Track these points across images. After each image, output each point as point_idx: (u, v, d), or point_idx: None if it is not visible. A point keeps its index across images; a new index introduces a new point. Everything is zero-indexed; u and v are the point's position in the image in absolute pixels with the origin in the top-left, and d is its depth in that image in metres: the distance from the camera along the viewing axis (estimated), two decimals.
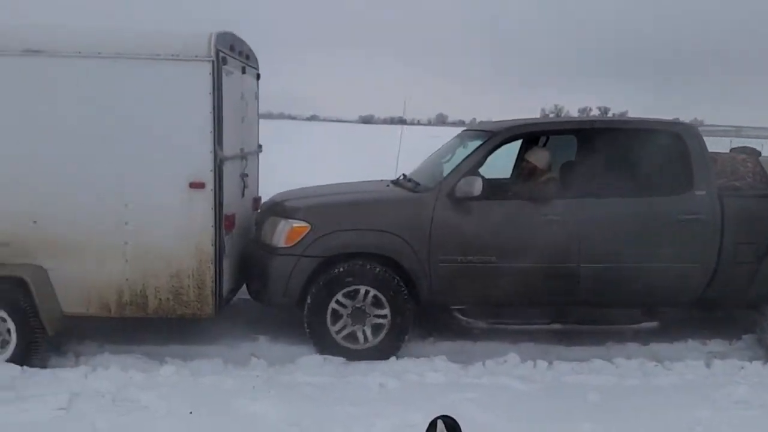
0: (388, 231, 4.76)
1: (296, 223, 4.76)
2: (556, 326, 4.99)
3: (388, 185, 5.51)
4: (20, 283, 4.23)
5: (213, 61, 4.29)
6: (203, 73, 4.29)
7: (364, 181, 5.91)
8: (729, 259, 4.91)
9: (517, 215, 4.84)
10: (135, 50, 4.29)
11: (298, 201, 5.10)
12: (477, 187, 4.71)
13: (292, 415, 3.70)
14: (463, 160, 4.98)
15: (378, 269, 4.72)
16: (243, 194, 5.29)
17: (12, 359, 4.30)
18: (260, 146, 6.07)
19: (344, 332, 4.78)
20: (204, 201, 4.41)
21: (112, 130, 4.33)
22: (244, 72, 5.15)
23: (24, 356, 4.32)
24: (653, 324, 5.04)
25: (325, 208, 5.00)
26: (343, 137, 34.17)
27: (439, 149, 5.86)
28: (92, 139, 4.33)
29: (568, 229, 4.79)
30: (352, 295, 4.76)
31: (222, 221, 4.53)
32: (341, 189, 5.57)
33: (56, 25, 4.54)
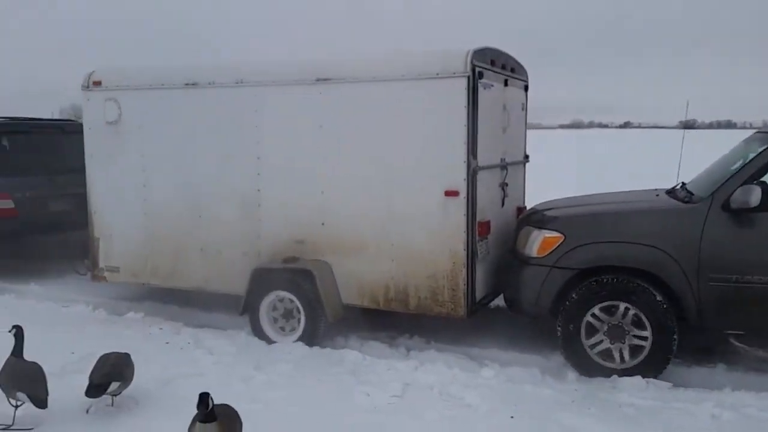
0: (649, 244, 4.43)
1: (548, 234, 4.74)
2: None
3: (657, 195, 5.11)
4: (309, 275, 5.06)
5: (468, 77, 4.56)
6: (459, 88, 4.58)
7: (632, 191, 5.56)
8: None
9: None
10: (401, 72, 4.78)
11: (554, 211, 5.04)
12: (755, 197, 4.12)
13: None
14: (743, 167, 4.38)
15: (637, 285, 4.43)
16: (503, 203, 5.44)
17: (300, 339, 5.15)
18: (527, 156, 6.17)
19: (599, 348, 4.58)
20: (457, 208, 4.69)
21: (382, 144, 4.89)
22: (506, 84, 5.32)
23: (310, 338, 5.13)
24: None
25: (579, 219, 4.85)
26: (651, 144, 31.82)
27: (725, 155, 5.21)
28: (366, 153, 4.95)
29: None
30: (610, 311, 4.53)
31: (475, 228, 4.76)
32: (605, 199, 5.33)
33: (339, 57, 5.30)
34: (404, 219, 4.87)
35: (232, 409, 3.11)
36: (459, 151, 4.63)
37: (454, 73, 4.60)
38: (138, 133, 5.79)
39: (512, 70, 5.53)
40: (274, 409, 3.84)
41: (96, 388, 3.70)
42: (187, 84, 5.53)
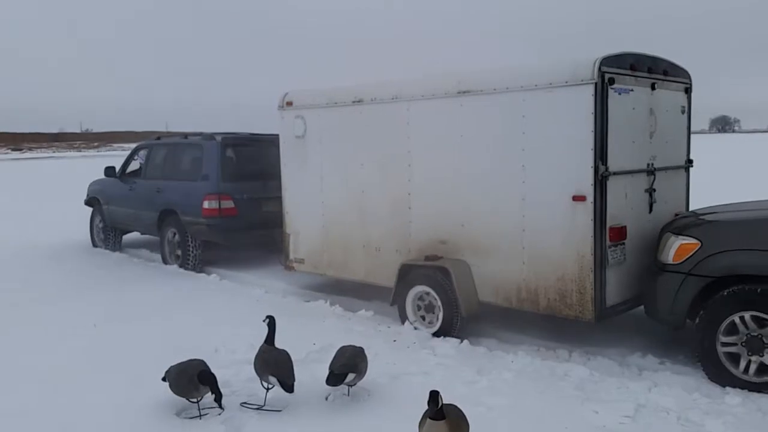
0: None
1: (685, 240, 4.58)
2: None
3: None
4: (446, 272, 5.49)
5: (596, 83, 4.63)
6: (586, 95, 4.67)
7: None
8: None
9: None
10: (534, 82, 5.00)
11: (694, 217, 4.82)
12: None
13: None
14: None
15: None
16: (651, 209, 5.31)
17: (438, 332, 5.59)
18: (690, 161, 5.88)
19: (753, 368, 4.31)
20: (585, 213, 4.77)
21: (516, 151, 5.14)
22: (653, 88, 5.21)
23: (446, 330, 5.56)
24: None
25: (718, 225, 4.60)
26: None
27: None
28: (501, 160, 5.25)
29: None
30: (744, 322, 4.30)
31: (605, 233, 4.79)
32: (759, 206, 4.93)
33: (478, 70, 5.63)
34: (535, 223, 5.07)
35: (460, 409, 3.16)
36: (586, 157, 4.72)
37: (582, 80, 4.70)
38: (318, 145, 6.76)
39: (665, 73, 5.37)
40: (497, 415, 3.92)
41: (336, 377, 3.97)
42: (354, 101, 6.34)
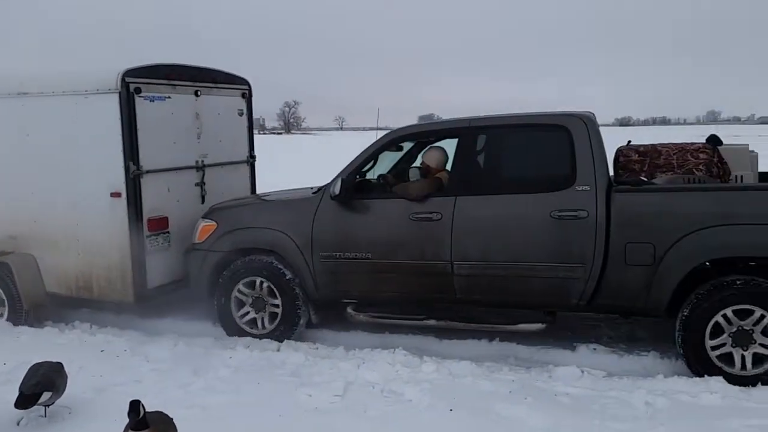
0: (277, 229, 5.28)
1: (206, 222, 5.57)
2: (431, 322, 4.99)
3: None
4: (7, 267, 5.72)
5: (120, 93, 5.28)
6: (113, 103, 5.29)
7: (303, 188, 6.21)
8: (619, 261, 4.39)
9: (390, 213, 5.00)
10: (78, 88, 5.44)
11: (222, 204, 5.87)
12: (337, 187, 4.99)
13: (550, 424, 3.66)
14: (349, 163, 5.23)
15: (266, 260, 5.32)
16: (203, 200, 6.16)
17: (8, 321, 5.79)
18: (252, 156, 6.89)
19: (247, 318, 5.40)
20: (121, 207, 5.42)
21: (69, 151, 5.54)
22: (197, 95, 6.05)
23: (16, 321, 5.77)
24: (538, 326, 4.74)
25: (222, 210, 5.69)
26: None
27: None
28: (58, 159, 5.59)
29: (442, 227, 4.78)
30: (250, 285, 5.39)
31: (143, 224, 5.49)
32: (272, 195, 6.12)
33: (36, 72, 5.94)
34: (86, 217, 5.56)
35: (166, 415, 3.10)
36: (118, 158, 5.34)
37: (109, 90, 5.30)
38: None
39: (215, 81, 6.27)
40: (213, 414, 3.87)
41: (26, 398, 3.60)
42: None
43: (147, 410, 2.93)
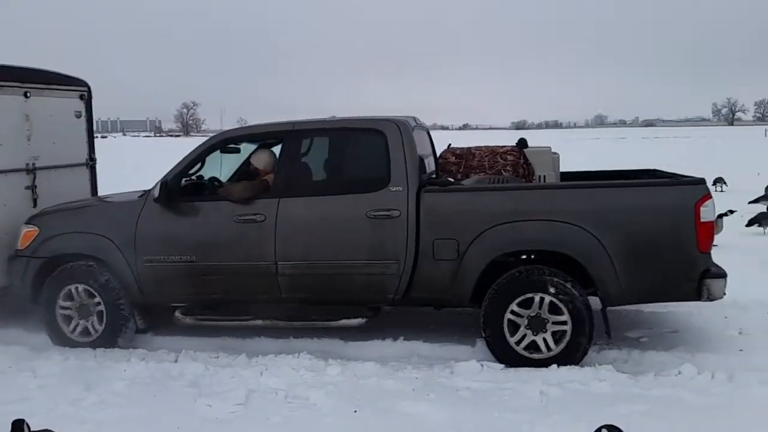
0: (98, 233, 5.11)
1: (28, 228, 5.30)
2: (257, 322, 4.98)
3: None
4: None
5: None
6: None
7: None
8: (428, 257, 4.67)
9: (214, 216, 4.98)
10: None
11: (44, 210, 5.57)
12: (156, 189, 4.91)
13: (451, 419, 3.74)
14: (175, 165, 5.16)
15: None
16: (35, 204, 5.84)
17: None
18: (92, 159, 6.58)
19: (78, 328, 5.20)
20: None
21: None
22: (27, 96, 5.75)
23: None
24: (359, 321, 4.83)
25: (52, 215, 5.43)
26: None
27: None
28: None
29: (266, 228, 4.82)
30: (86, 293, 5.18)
31: None
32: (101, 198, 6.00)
33: None
34: None
35: None
36: None
37: None
38: None
39: (48, 82, 5.98)
40: (106, 429, 3.74)
41: None
42: None
43: (33, 429, 2.79)
